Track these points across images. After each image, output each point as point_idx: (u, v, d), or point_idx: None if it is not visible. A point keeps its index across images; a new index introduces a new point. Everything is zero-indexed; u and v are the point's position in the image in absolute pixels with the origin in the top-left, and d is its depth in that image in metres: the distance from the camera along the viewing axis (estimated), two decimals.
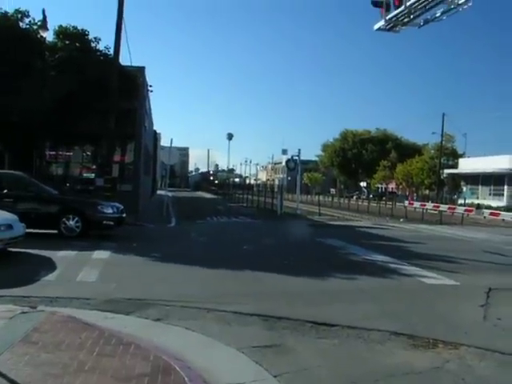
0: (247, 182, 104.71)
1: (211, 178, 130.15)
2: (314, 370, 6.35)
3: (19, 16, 24.01)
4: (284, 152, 45.41)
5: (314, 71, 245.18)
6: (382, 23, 19.22)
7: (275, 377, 5.97)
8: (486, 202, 55.80)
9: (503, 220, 41.28)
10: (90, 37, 25.93)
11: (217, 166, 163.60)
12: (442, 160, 74.74)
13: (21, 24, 24.13)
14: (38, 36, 24.48)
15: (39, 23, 24.53)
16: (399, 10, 18.35)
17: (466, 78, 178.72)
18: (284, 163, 47.27)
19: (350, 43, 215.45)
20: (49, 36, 25.33)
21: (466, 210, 44.45)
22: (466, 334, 8.07)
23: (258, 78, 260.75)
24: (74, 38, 25.47)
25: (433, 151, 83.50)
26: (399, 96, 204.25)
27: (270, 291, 10.77)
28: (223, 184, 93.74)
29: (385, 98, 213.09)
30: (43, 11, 24.92)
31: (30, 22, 24.31)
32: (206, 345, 7.08)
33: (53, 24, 25.73)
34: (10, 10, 23.93)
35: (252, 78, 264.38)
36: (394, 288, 11.73)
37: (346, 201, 62.69)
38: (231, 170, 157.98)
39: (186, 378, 5.58)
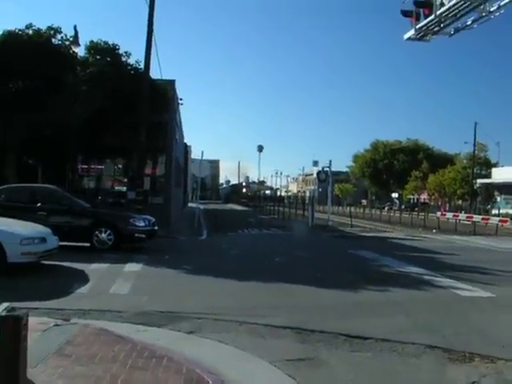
0: (278, 193, 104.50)
1: (244, 190, 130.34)
2: None
3: (52, 32, 24.39)
4: (315, 163, 45.39)
5: (344, 83, 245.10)
6: (412, 32, 19.10)
7: None
8: None
9: None
10: (121, 51, 26.28)
11: (247, 178, 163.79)
12: (474, 170, 73.91)
13: (53, 40, 24.54)
14: (70, 51, 24.86)
15: (71, 39, 24.90)
16: (429, 18, 18.21)
17: (498, 86, 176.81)
18: (315, 175, 47.22)
19: (379, 55, 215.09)
20: (80, 51, 25.74)
21: (500, 221, 43.80)
22: (504, 347, 7.89)
23: (288, 90, 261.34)
24: (105, 53, 25.81)
25: (465, 161, 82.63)
26: (430, 106, 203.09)
27: (302, 304, 10.69)
28: (254, 196, 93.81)
29: (415, 108, 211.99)
30: (75, 27, 25.34)
31: (62, 37, 24.71)
32: (239, 358, 7.04)
33: (84, 39, 26.14)
34: (43, 27, 24.34)
35: (281, 89, 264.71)
36: (428, 300, 11.56)
37: (378, 212, 62.30)
38: (262, 182, 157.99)
39: None
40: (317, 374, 6.50)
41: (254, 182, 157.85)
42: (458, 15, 17.91)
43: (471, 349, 7.66)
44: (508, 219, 46.38)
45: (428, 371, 6.79)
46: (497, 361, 7.22)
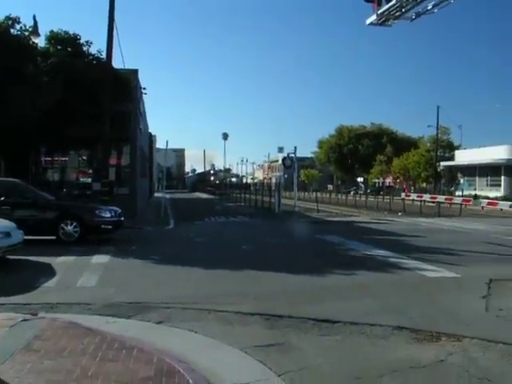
0: (244, 181, 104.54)
1: (212, 178, 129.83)
2: (318, 367, 6.34)
3: (10, 22, 23.92)
4: (280, 150, 45.46)
5: (307, 70, 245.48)
6: (373, 18, 19.16)
7: (279, 375, 5.95)
8: (483, 193, 55.82)
9: (501, 210, 41.38)
10: (82, 41, 25.94)
11: (213, 166, 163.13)
12: (438, 152, 74.76)
13: (12, 30, 24.06)
14: (30, 42, 24.42)
15: (30, 29, 24.47)
16: (391, 3, 18.29)
17: (459, 71, 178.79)
18: (280, 161, 47.35)
19: (341, 41, 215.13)
20: (40, 42, 25.32)
21: (463, 201, 44.53)
22: (469, 326, 8.06)
23: (251, 78, 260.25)
24: (66, 43, 25.45)
25: (428, 144, 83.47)
26: (393, 91, 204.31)
27: (271, 290, 10.74)
28: (221, 184, 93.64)
29: (379, 94, 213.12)
30: (34, 17, 24.93)
31: (21, 28, 24.26)
32: (209, 346, 7.05)
33: (44, 29, 25.70)
34: (1, 17, 23.87)
35: (245, 77, 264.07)
36: (395, 282, 11.70)
37: (344, 196, 62.71)
38: (228, 170, 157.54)
39: (190, 380, 5.55)
40: (287, 359, 6.54)
41: (220, 170, 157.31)
42: (419, 0, 18.03)
43: (438, 328, 7.80)
44: (471, 199, 47.17)
45: (396, 352, 6.88)
46: (463, 339, 7.35)
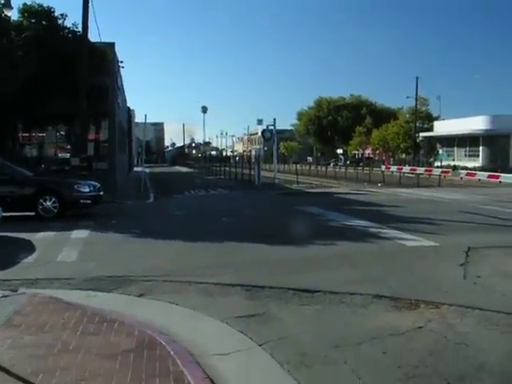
0: (224, 154, 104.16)
1: (194, 152, 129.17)
2: (299, 336, 6.40)
3: None
4: (259, 122, 45.18)
5: (284, 42, 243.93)
6: None
7: (260, 345, 6.01)
8: (461, 164, 56.16)
9: (479, 180, 41.71)
10: (57, 14, 25.45)
11: (193, 139, 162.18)
12: (417, 123, 74.91)
13: None
14: (3, 15, 23.97)
15: (3, 1, 24.00)
16: None
17: (437, 42, 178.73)
18: (260, 134, 47.21)
19: (319, 14, 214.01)
20: (14, 15, 24.83)
21: (442, 172, 44.82)
22: (447, 293, 8.17)
23: (228, 51, 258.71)
24: (40, 16, 24.95)
25: (408, 115, 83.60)
26: (372, 63, 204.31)
27: (251, 261, 10.80)
28: (200, 157, 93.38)
29: (357, 66, 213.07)
30: None
31: None
32: (190, 317, 7.09)
33: (17, 2, 25.26)
34: None
35: (222, 51, 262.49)
36: (375, 252, 11.80)
37: (324, 168, 62.85)
38: (207, 143, 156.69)
39: (171, 352, 5.59)
40: (267, 329, 6.60)
41: (199, 144, 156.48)
42: None
43: (416, 296, 7.90)
44: (450, 170, 47.50)
45: (376, 320, 6.96)
46: (441, 306, 7.46)
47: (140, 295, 8.20)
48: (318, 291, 8.25)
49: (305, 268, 10.15)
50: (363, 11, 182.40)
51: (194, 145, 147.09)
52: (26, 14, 24.88)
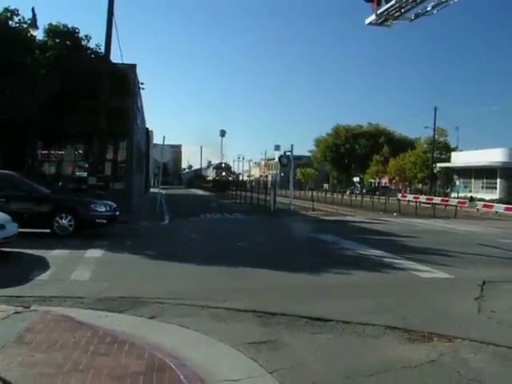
0: (240, 178, 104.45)
1: (208, 175, 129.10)
2: (309, 365, 6.34)
3: (8, 14, 23.92)
4: (277, 148, 45.56)
5: (306, 68, 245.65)
6: (373, 17, 19.17)
7: (271, 373, 5.95)
8: (478, 196, 55.84)
9: (496, 212, 41.42)
10: (81, 35, 25.89)
11: (210, 162, 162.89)
12: (434, 154, 74.81)
13: (10, 23, 24.03)
14: (28, 35, 24.37)
15: (29, 22, 24.42)
16: (390, 4, 18.28)
17: (458, 73, 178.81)
18: (277, 159, 47.29)
19: (342, 39, 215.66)
20: (39, 34, 25.28)
21: (459, 203, 44.56)
22: (461, 326, 8.07)
23: (250, 76, 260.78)
24: (65, 37, 25.38)
25: (425, 145, 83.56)
26: (391, 91, 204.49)
27: (264, 287, 10.74)
28: (217, 181, 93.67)
29: (377, 93, 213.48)
30: (33, 9, 24.90)
31: (19, 20, 24.23)
32: (201, 342, 7.05)
33: (43, 22, 25.68)
34: None
35: (244, 75, 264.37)
36: (389, 282, 11.72)
37: (340, 196, 62.75)
38: (228, 168, 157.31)
39: (181, 376, 5.55)
40: (278, 357, 6.54)
41: (216, 167, 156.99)
42: (418, 0, 18.01)
43: (430, 329, 7.81)
44: (466, 201, 47.20)
45: (388, 351, 6.89)
46: (454, 340, 7.37)
47: (152, 317, 8.18)
48: (331, 320, 8.18)
49: (318, 296, 10.09)
50: (386, 37, 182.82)
51: (223, 167, 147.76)
52: (51, 34, 25.32)
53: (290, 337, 7.40)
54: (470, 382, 5.91)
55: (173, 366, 5.81)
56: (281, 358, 6.51)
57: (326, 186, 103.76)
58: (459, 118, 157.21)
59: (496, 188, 58.74)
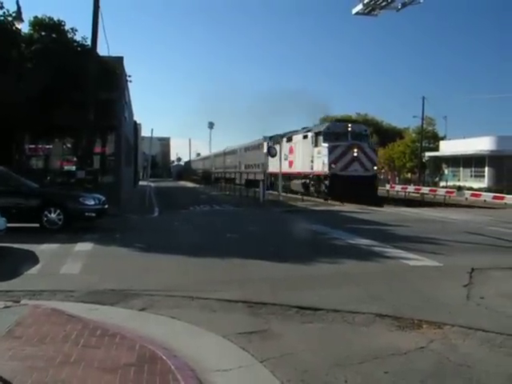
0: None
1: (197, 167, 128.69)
2: (300, 354, 6.38)
3: None
4: (265, 139, 45.32)
5: (292, 57, 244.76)
6: (360, 7, 19.25)
7: (261, 362, 5.99)
8: (467, 184, 56.08)
9: (485, 201, 41.59)
10: (67, 27, 25.71)
11: (198, 154, 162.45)
12: (423, 143, 74.97)
13: None
14: (13, 28, 24.17)
15: (14, 15, 24.20)
16: None
17: (446, 62, 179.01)
18: (265, 150, 47.21)
19: (328, 29, 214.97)
20: (24, 27, 25.06)
21: (447, 192, 44.74)
22: (450, 313, 8.14)
23: (235, 66, 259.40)
24: (50, 29, 25.21)
25: (414, 135, 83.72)
26: (379, 81, 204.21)
27: (254, 278, 10.78)
28: (206, 173, 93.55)
29: (364, 83, 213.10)
30: (17, 2, 24.57)
31: (4, 13, 23.98)
32: (192, 333, 7.08)
33: (28, 15, 25.46)
34: None
35: (230, 66, 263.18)
36: (378, 271, 11.78)
37: None
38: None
39: (172, 367, 5.57)
40: (269, 346, 6.58)
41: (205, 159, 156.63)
42: None
43: (419, 316, 7.88)
44: (454, 191, 47.40)
45: (378, 339, 6.94)
46: (443, 326, 7.44)
47: (142, 309, 8.20)
48: (321, 309, 8.23)
49: (308, 286, 10.12)
50: (373, 27, 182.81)
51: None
52: (36, 27, 25.15)
53: (280, 326, 7.43)
54: (459, 367, 5.97)
55: (164, 357, 5.83)
56: (271, 347, 6.54)
57: None
58: (447, 107, 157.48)
59: (484, 176, 58.95)
